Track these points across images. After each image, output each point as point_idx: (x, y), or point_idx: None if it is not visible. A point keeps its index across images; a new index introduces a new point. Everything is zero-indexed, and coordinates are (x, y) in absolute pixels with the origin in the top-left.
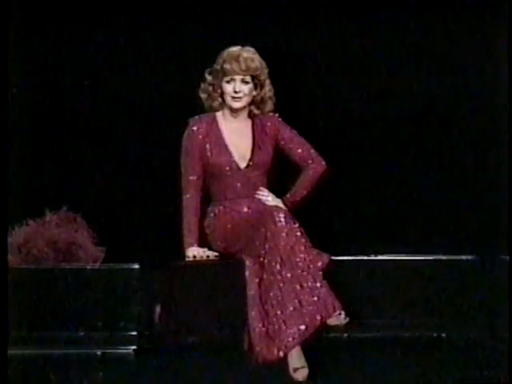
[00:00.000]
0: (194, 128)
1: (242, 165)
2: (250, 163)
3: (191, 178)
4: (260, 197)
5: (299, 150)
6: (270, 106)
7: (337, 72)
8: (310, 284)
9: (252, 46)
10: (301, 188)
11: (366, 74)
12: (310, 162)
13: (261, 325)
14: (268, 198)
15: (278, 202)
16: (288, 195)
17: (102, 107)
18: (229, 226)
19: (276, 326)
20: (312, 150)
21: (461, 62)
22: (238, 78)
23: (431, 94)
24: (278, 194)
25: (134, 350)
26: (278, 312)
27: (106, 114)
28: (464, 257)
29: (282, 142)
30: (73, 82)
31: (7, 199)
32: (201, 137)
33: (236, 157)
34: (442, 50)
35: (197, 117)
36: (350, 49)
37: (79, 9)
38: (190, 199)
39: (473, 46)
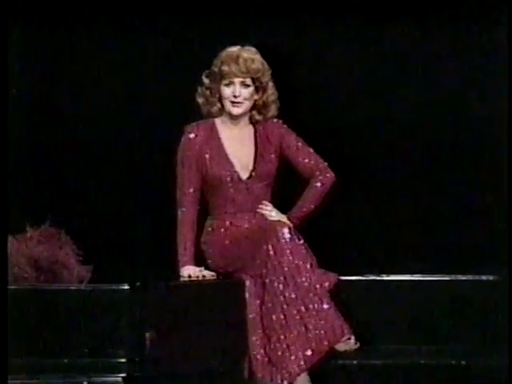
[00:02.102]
0: (191, 136)
1: (244, 176)
2: (253, 174)
3: (187, 190)
4: (263, 211)
5: (306, 161)
6: (273, 110)
7: (346, 74)
8: (316, 306)
9: (253, 46)
10: (307, 202)
11: (375, 77)
12: (317, 173)
13: (262, 351)
14: (271, 212)
15: (283, 218)
16: (293, 210)
17: (90, 113)
18: (228, 242)
19: (279, 352)
20: (320, 161)
21: (461, 65)
22: (238, 80)
23: (438, 101)
24: (282, 208)
25: (123, 378)
26: (282, 337)
27: (94, 120)
28: (484, 277)
29: (287, 151)
30: (59, 91)
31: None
32: (198, 145)
33: (237, 167)
34: (444, 52)
35: (194, 123)
36: (358, 50)
37: (77, 11)
38: (185, 213)
39: (473, 48)
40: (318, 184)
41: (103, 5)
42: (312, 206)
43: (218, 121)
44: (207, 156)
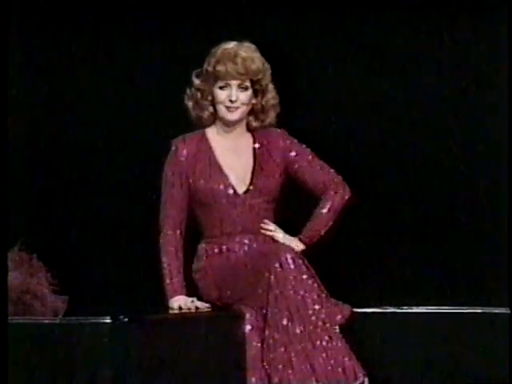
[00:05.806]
0: (178, 151)
1: (241, 189)
2: (251, 187)
3: (171, 210)
4: (267, 232)
5: (318, 175)
6: (272, 116)
7: (355, 76)
8: (324, 343)
9: (252, 42)
10: (320, 220)
11: (387, 79)
12: (332, 187)
13: None
14: (276, 233)
15: (291, 241)
16: (304, 231)
17: (67, 122)
18: (224, 269)
19: None
20: (334, 174)
21: (462, 63)
22: (235, 83)
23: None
24: (288, 230)
25: None
26: (285, 377)
27: (73, 136)
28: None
29: (296, 166)
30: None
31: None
32: (186, 161)
33: (232, 179)
34: (446, 50)
35: (180, 137)
36: (367, 49)
37: (77, 12)
38: (171, 236)
39: (473, 47)
40: (333, 200)
41: (102, 5)
42: (329, 223)
43: (209, 130)
44: (197, 170)
